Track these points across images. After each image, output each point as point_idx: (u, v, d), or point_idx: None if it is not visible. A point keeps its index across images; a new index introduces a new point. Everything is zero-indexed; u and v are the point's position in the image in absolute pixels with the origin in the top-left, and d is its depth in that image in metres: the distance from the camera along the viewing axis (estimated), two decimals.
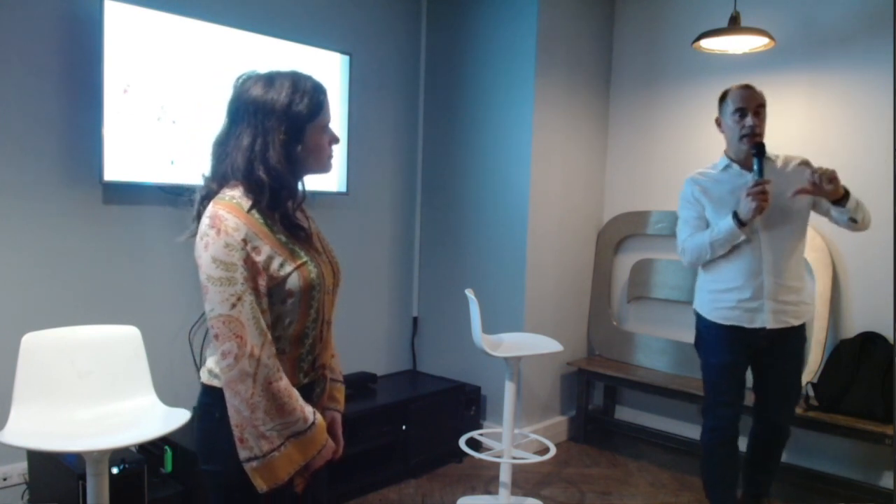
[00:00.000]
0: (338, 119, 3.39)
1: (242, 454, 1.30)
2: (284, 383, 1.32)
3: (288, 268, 1.35)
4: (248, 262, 1.30)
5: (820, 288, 3.23)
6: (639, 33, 3.92)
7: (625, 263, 4.00)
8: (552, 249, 3.75)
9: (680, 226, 2.65)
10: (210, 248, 1.29)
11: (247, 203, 1.34)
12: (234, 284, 1.28)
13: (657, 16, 3.84)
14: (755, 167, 2.43)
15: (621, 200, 4.03)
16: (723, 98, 2.57)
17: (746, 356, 2.60)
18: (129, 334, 2.30)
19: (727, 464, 2.60)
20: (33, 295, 2.60)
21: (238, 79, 1.41)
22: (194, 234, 1.37)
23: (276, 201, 1.37)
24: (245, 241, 1.30)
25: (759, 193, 2.37)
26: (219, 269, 1.28)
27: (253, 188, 1.35)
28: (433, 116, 3.95)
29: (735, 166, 2.57)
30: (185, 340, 2.98)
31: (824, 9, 3.25)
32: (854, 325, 3.21)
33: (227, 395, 1.30)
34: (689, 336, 3.71)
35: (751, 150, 2.47)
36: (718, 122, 2.61)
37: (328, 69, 3.32)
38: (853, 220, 2.47)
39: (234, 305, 1.28)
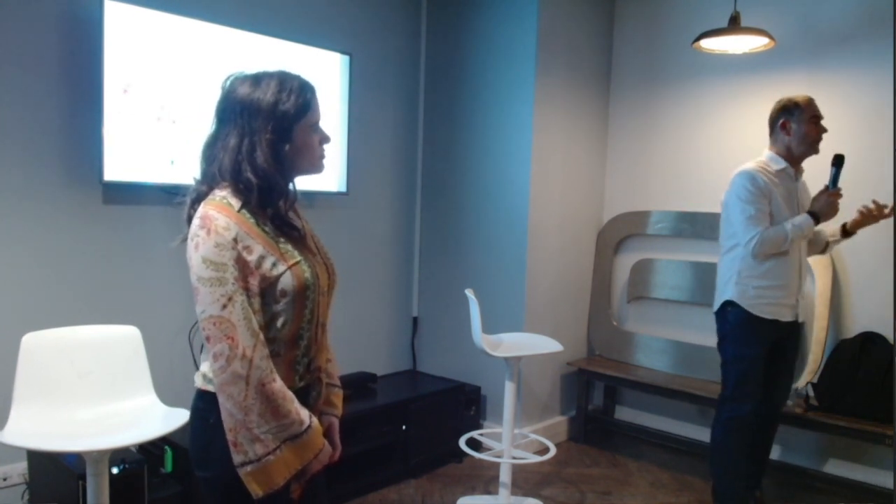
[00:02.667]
0: (338, 119, 3.39)
1: (237, 459, 1.27)
2: (279, 385, 1.30)
3: (281, 267, 1.33)
4: (240, 262, 1.29)
5: (820, 288, 3.23)
6: (639, 33, 3.92)
7: (625, 263, 4.00)
8: (552, 249, 3.75)
9: (754, 215, 2.65)
10: (200, 249, 1.28)
11: (237, 202, 1.33)
12: (225, 285, 1.27)
13: (657, 16, 3.84)
14: (833, 175, 2.68)
15: (621, 200, 4.03)
16: (794, 105, 2.71)
17: (770, 348, 2.77)
18: (129, 334, 2.29)
19: (742, 447, 2.76)
20: (33, 295, 2.61)
21: (226, 79, 1.39)
22: (186, 239, 1.36)
23: (266, 201, 1.35)
24: (236, 240, 1.29)
25: (837, 201, 2.65)
26: (209, 269, 1.27)
27: (241, 189, 1.34)
28: (433, 116, 3.95)
29: (790, 169, 2.74)
30: (185, 340, 2.98)
31: (824, 9, 3.25)
32: (854, 325, 3.21)
33: (220, 398, 1.28)
34: (689, 336, 3.73)
35: (832, 160, 2.69)
36: (784, 126, 2.72)
37: (328, 69, 3.32)
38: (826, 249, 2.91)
39: (224, 306, 1.26)
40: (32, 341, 2.11)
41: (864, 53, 3.15)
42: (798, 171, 2.78)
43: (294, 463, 1.31)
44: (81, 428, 2.04)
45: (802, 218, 2.63)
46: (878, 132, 3.11)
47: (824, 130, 2.72)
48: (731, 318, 2.74)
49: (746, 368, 2.72)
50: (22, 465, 2.56)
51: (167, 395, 2.32)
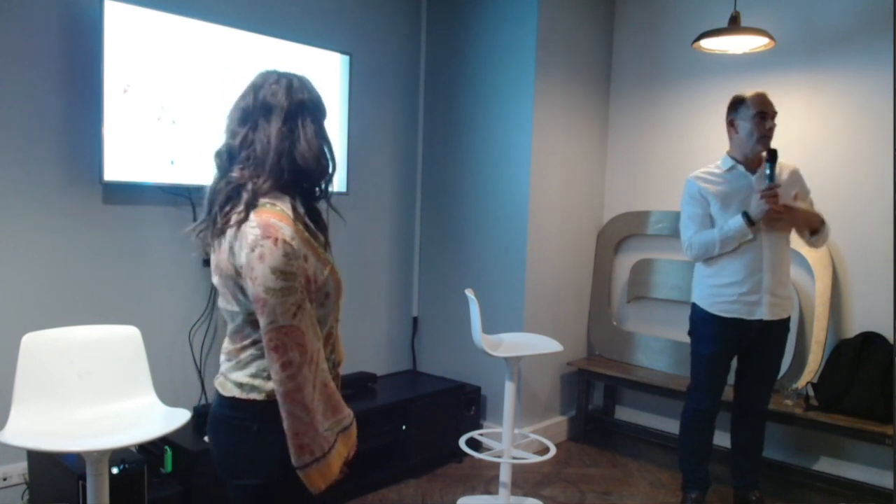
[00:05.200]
0: (338, 119, 3.39)
1: (302, 460, 1.29)
2: (332, 383, 1.37)
3: (325, 271, 1.38)
4: (302, 271, 1.31)
5: (820, 288, 3.23)
6: (639, 33, 3.92)
7: (625, 263, 4.00)
8: (552, 249, 3.75)
9: (685, 222, 2.79)
10: (268, 259, 1.26)
11: (290, 211, 1.35)
12: (295, 294, 1.28)
13: (657, 16, 3.84)
14: (768, 171, 2.61)
15: (621, 200, 4.03)
16: (740, 102, 2.69)
17: (736, 348, 2.80)
18: (129, 334, 2.29)
19: (702, 438, 2.87)
20: (33, 295, 2.60)
21: (267, 79, 1.40)
22: (201, 230, 1.38)
23: (313, 194, 1.46)
24: (299, 249, 1.31)
25: (772, 196, 2.55)
26: (279, 279, 1.26)
27: (294, 177, 1.38)
28: (433, 116, 3.95)
29: (740, 167, 2.72)
30: (185, 340, 2.98)
31: (824, 9, 3.25)
32: (854, 325, 3.21)
33: (287, 405, 1.28)
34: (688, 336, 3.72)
35: (765, 155, 2.63)
36: (732, 124, 2.72)
37: (328, 69, 3.31)
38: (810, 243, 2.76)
39: (295, 315, 1.27)
40: (32, 341, 2.11)
41: (864, 53, 3.15)
42: (755, 166, 2.69)
43: (343, 452, 1.38)
44: (81, 428, 2.04)
45: (734, 220, 2.63)
46: (877, 132, 3.10)
47: (770, 126, 2.65)
48: (696, 316, 2.83)
49: (701, 365, 2.80)
50: (22, 465, 2.56)
51: (167, 395, 2.33)
